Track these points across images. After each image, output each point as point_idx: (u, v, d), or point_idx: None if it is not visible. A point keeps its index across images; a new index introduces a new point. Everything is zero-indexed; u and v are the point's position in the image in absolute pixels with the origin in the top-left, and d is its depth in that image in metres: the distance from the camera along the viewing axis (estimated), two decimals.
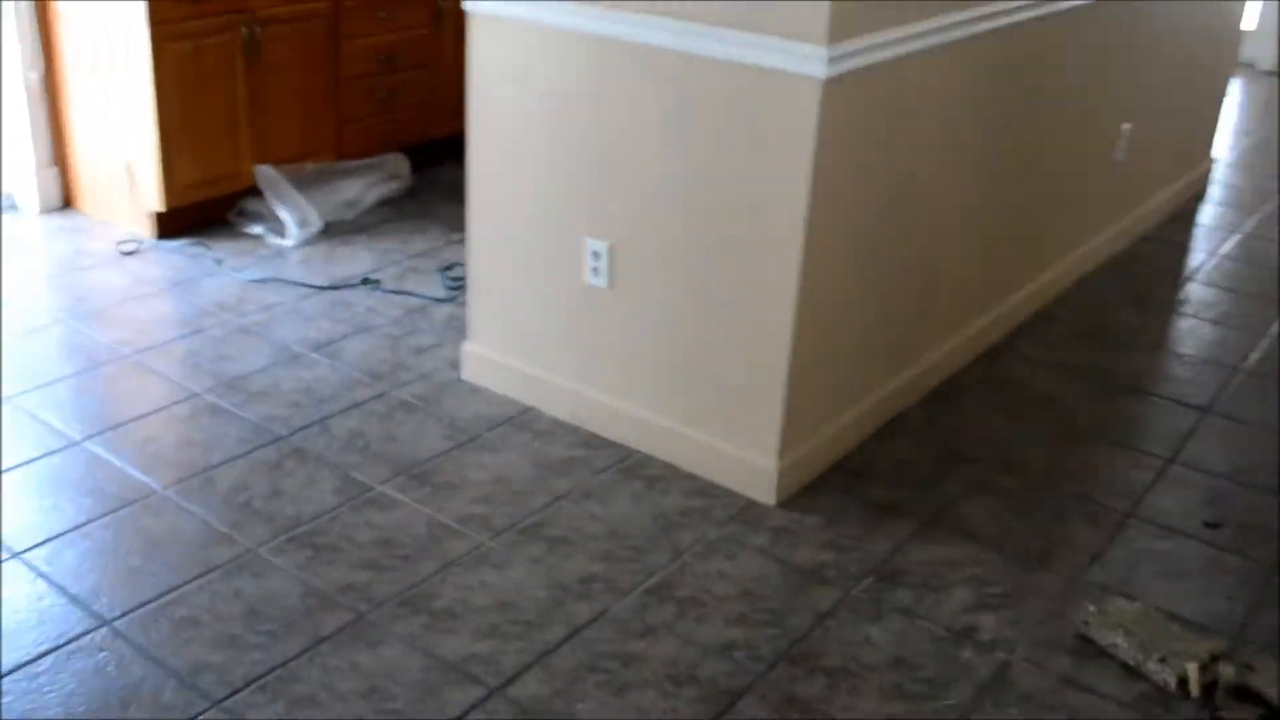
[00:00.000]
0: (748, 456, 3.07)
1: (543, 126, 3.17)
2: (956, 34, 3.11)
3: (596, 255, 3.18)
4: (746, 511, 3.04)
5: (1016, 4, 3.34)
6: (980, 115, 3.44)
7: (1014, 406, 3.66)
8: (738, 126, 2.85)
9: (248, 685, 2.39)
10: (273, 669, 2.43)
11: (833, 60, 2.68)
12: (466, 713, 2.36)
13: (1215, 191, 5.73)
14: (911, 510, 3.11)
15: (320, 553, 2.79)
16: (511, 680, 2.45)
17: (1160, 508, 3.22)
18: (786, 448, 3.05)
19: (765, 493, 3.06)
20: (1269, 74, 7.88)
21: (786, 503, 3.08)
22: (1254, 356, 4.10)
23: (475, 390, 3.51)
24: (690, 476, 3.15)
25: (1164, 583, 2.92)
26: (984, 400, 3.68)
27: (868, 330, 3.28)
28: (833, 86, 2.72)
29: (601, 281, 3.19)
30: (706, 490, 3.11)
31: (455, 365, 3.61)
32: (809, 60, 2.68)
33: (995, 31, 3.29)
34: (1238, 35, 5.58)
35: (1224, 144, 6.23)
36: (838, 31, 2.68)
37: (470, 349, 3.55)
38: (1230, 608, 2.85)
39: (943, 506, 3.14)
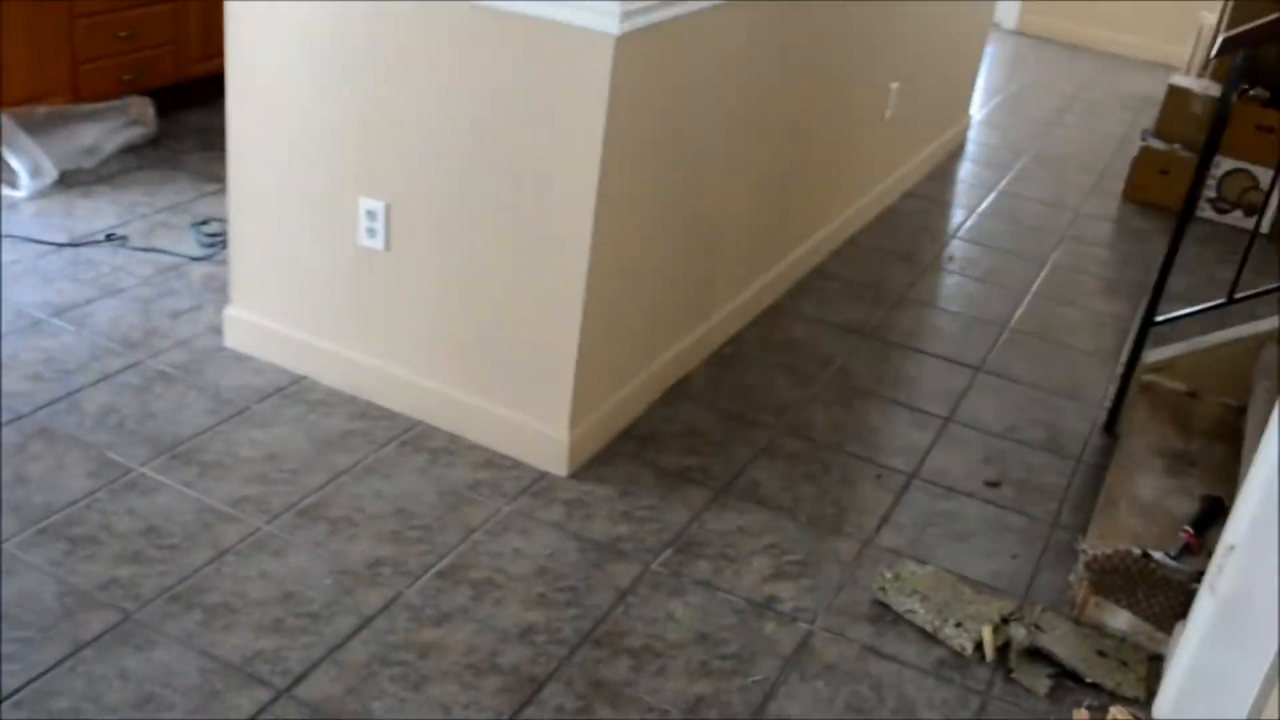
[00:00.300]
0: (538, 426, 2.95)
1: (310, 75, 2.94)
2: None
3: (372, 215, 2.98)
4: (538, 484, 2.92)
5: None
6: (762, 75, 3.39)
7: (795, 366, 3.66)
8: (525, 83, 2.70)
9: (1, 702, 2.14)
10: (29, 682, 2.19)
11: (626, 15, 2.56)
12: (254, 717, 2.18)
13: (971, 149, 5.89)
14: (703, 478, 3.06)
15: (77, 546, 2.53)
16: (300, 679, 2.28)
17: (941, 468, 3.26)
18: (577, 416, 2.95)
19: (556, 464, 2.96)
20: (1013, 33, 8.18)
21: (578, 473, 2.98)
22: (1018, 314, 4.22)
23: (240, 359, 3.27)
24: (477, 448, 3.01)
25: (951, 544, 2.96)
26: (766, 361, 3.66)
27: (655, 293, 3.20)
28: (625, 43, 2.60)
29: (378, 243, 3.01)
30: (495, 462, 2.98)
31: (217, 331, 3.36)
32: (601, 15, 2.55)
33: None
34: None
35: (976, 102, 6.41)
36: None
37: (234, 314, 3.31)
38: (1015, 566, 2.90)
39: (734, 473, 3.10)
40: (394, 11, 2.77)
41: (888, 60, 4.41)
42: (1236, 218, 5.32)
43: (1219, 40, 3.17)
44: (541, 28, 2.62)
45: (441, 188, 2.88)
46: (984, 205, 5.18)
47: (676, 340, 3.40)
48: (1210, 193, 5.34)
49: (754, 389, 3.50)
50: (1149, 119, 6.51)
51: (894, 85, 4.54)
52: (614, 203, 2.79)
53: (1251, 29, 3.15)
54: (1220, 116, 3.25)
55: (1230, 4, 5.50)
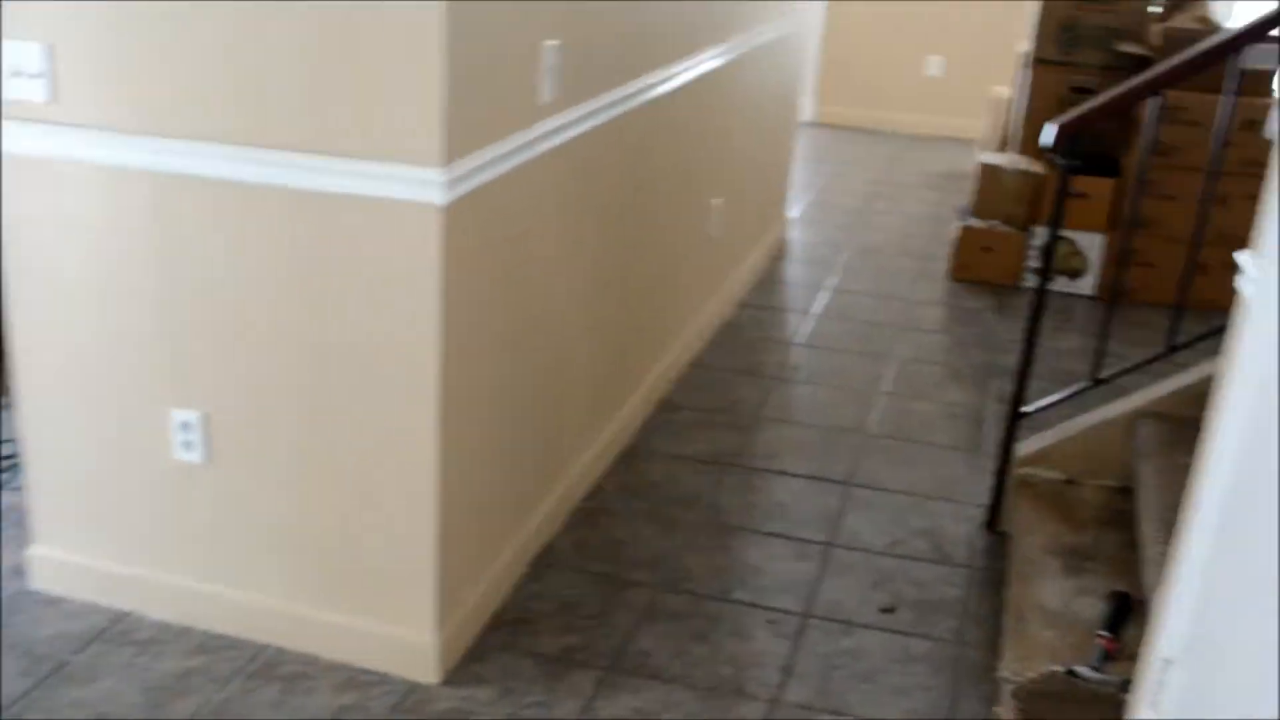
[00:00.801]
0: (401, 633, 2.67)
1: (104, 279, 2.63)
2: (563, 136, 2.86)
3: (187, 427, 2.69)
4: (410, 698, 2.63)
5: (615, 96, 3.15)
6: (590, 214, 3.21)
7: (660, 511, 3.44)
8: (349, 266, 2.45)
9: None
10: None
11: (451, 184, 2.35)
12: None
13: (794, 249, 5.83)
14: (588, 657, 2.80)
15: None
16: None
17: (833, 600, 3.08)
18: (444, 615, 2.68)
19: (427, 671, 2.67)
20: (811, 125, 8.24)
21: (452, 677, 2.70)
22: (874, 417, 4.10)
23: (52, 602, 2.90)
24: (336, 666, 2.71)
25: (861, 686, 2.76)
26: (629, 510, 3.44)
27: (509, 462, 2.96)
28: (453, 211, 2.39)
29: (196, 456, 2.70)
30: (358, 680, 2.67)
31: (20, 573, 2.98)
32: (424, 186, 2.33)
33: (597, 129, 3.07)
34: (797, 94, 5.72)
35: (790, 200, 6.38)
36: (454, 149, 2.35)
37: (39, 552, 2.94)
38: (932, 700, 2.72)
39: (618, 645, 2.85)
40: (189, 203, 2.50)
41: (707, 176, 4.30)
42: (1061, 284, 5.34)
43: (1056, 128, 3.12)
44: (361, 206, 2.39)
45: (266, 388, 2.60)
46: (817, 306, 5.10)
47: (535, 506, 3.16)
48: (1032, 263, 5.36)
49: (622, 544, 3.27)
50: (956, 196, 6.59)
51: (715, 201, 4.43)
52: (459, 378, 2.55)
53: (1083, 113, 3.11)
54: (1060, 197, 3.22)
55: (1030, 78, 5.57)
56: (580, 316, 3.28)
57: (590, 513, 3.41)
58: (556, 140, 2.83)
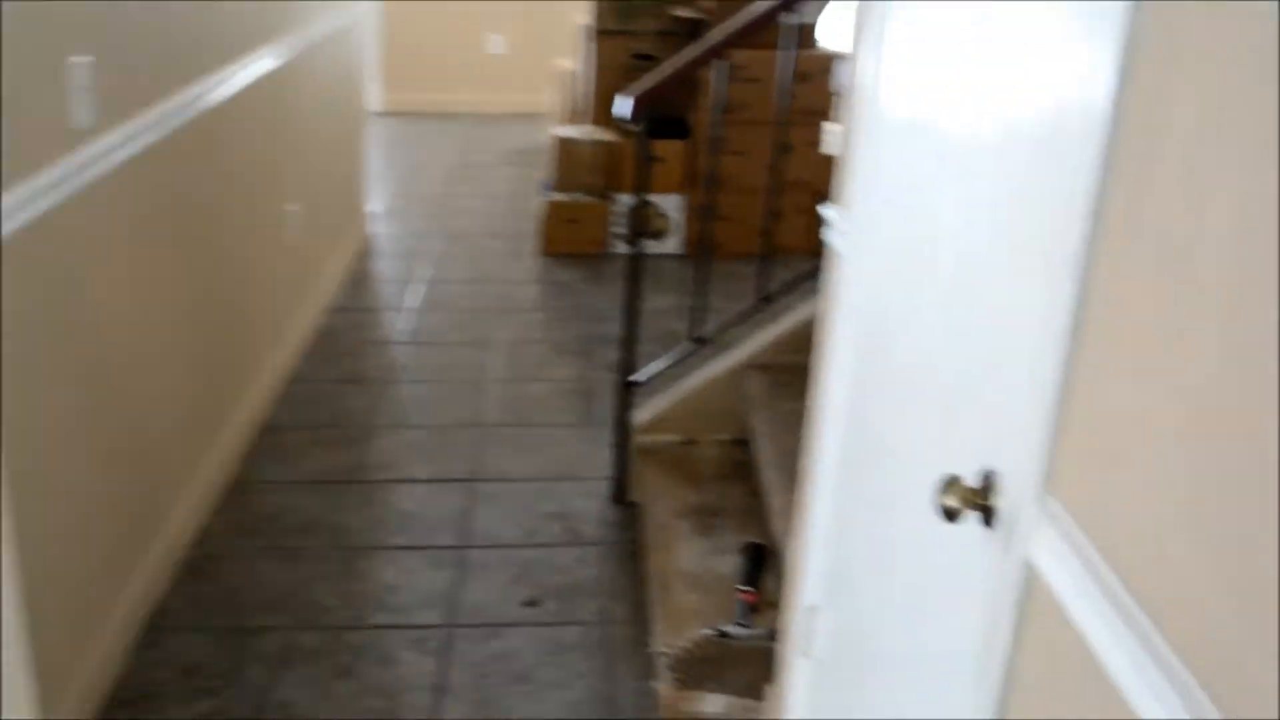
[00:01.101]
0: None
1: None
2: (114, 159, 2.57)
3: None
4: None
5: (166, 109, 2.88)
6: (159, 239, 2.93)
7: (279, 545, 3.22)
8: None
9: None
10: None
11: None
12: None
13: (381, 244, 5.65)
14: None
15: None
16: None
17: (476, 604, 2.97)
18: (47, 708, 2.37)
19: None
20: (381, 115, 8.03)
21: None
22: (488, 407, 4.01)
23: None
24: None
25: (517, 688, 2.68)
26: (244, 550, 3.19)
27: (99, 522, 2.66)
28: (8, 252, 2.09)
29: None
30: None
31: None
32: None
33: (153, 146, 2.79)
34: (363, 85, 5.52)
35: (369, 194, 6.18)
36: None
37: None
38: (590, 686, 2.67)
39: (257, 701, 2.63)
40: None
41: (279, 182, 4.06)
42: (649, 246, 5.42)
43: (631, 102, 3.10)
44: None
45: None
46: (413, 300, 4.95)
47: (137, 564, 2.87)
48: (618, 229, 5.42)
49: (241, 590, 3.03)
50: (535, 171, 6.59)
51: (291, 207, 4.19)
52: (23, 444, 2.25)
53: (658, 84, 3.12)
54: (644, 164, 3.24)
55: (593, 50, 5.61)
56: (161, 349, 3.00)
57: (201, 560, 3.14)
58: (106, 165, 2.54)
